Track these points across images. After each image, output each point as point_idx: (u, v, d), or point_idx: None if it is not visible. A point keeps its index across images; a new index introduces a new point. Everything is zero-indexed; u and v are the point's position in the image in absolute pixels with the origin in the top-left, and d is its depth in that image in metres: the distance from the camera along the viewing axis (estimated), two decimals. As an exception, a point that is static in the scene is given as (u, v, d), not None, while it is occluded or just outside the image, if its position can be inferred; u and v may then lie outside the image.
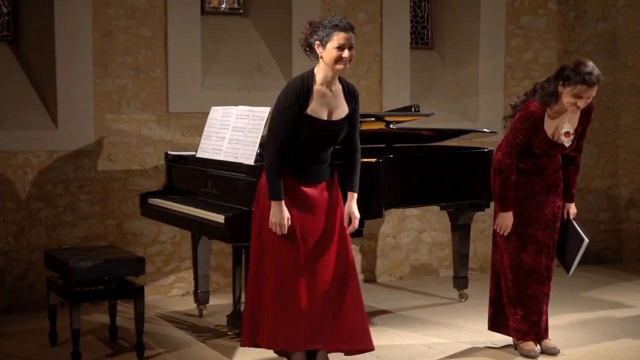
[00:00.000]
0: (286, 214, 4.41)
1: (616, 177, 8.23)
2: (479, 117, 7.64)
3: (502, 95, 7.69)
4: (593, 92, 4.81)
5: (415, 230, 7.50)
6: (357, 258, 7.30)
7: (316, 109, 4.41)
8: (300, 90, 4.38)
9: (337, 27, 4.36)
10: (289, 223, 4.42)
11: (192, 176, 5.74)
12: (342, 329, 4.57)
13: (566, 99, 4.82)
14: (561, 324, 5.81)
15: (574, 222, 5.16)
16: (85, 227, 6.42)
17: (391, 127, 6.06)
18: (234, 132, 5.39)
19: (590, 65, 4.80)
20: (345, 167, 4.62)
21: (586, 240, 5.08)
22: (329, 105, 4.44)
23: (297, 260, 4.46)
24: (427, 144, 6.58)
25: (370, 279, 7.34)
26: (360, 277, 7.32)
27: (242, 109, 5.46)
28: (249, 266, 4.66)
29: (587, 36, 8.00)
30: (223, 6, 7.17)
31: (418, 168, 5.85)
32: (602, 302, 6.50)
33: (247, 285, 4.65)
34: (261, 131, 5.15)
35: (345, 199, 4.62)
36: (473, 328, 5.75)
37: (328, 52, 4.36)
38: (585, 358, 5.13)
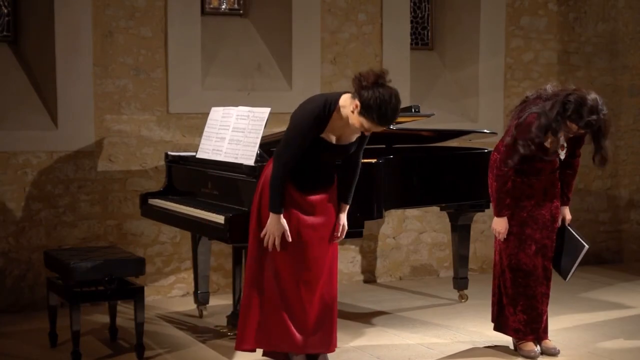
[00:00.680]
0: (283, 227, 4.43)
1: (616, 177, 8.23)
2: (479, 117, 7.64)
3: (502, 96, 7.69)
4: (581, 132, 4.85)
5: (415, 231, 7.50)
6: (357, 259, 7.30)
7: (329, 132, 4.41)
8: (322, 115, 4.33)
9: (380, 124, 4.25)
10: (288, 236, 4.45)
11: (192, 177, 5.74)
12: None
13: (568, 127, 4.80)
14: (561, 324, 5.81)
15: (570, 228, 5.16)
16: (86, 228, 6.42)
17: (391, 127, 6.05)
18: (234, 133, 5.39)
19: (598, 110, 4.71)
20: (343, 179, 4.65)
21: (587, 246, 5.08)
22: (341, 131, 4.43)
23: (296, 263, 4.49)
24: (427, 145, 6.58)
25: (370, 279, 7.34)
26: (361, 277, 7.32)
27: (242, 109, 5.46)
28: (247, 263, 4.67)
29: (587, 37, 8.00)
30: (223, 7, 7.17)
31: (418, 169, 5.85)
32: (602, 303, 6.50)
33: (245, 284, 4.66)
34: (261, 132, 5.14)
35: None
36: (473, 329, 5.75)
37: (359, 119, 4.26)
38: (585, 358, 5.13)
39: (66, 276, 4.97)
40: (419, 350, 5.29)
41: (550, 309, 5.22)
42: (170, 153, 6.02)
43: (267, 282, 4.55)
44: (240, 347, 4.63)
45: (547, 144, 4.85)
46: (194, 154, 5.80)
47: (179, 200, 5.69)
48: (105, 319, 5.59)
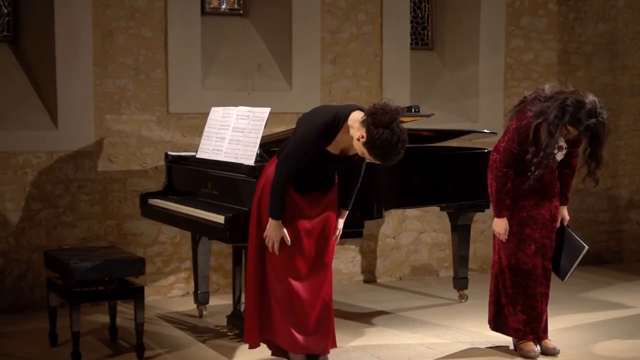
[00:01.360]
0: (282, 232, 4.45)
1: (616, 177, 8.23)
2: (479, 117, 7.64)
3: (502, 96, 7.69)
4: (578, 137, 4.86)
5: (415, 231, 7.50)
6: (357, 259, 7.30)
7: (333, 145, 4.42)
8: (330, 131, 4.34)
9: (380, 161, 4.27)
10: (288, 241, 4.46)
11: (192, 177, 5.74)
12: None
13: (567, 131, 4.80)
14: (561, 324, 5.80)
15: (569, 229, 5.16)
16: (85, 228, 6.42)
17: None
18: (234, 133, 5.39)
19: (597, 113, 4.71)
20: (344, 185, 4.66)
21: (586, 247, 5.07)
22: (346, 144, 4.43)
23: (296, 263, 4.51)
24: (427, 145, 6.57)
25: (370, 279, 7.34)
26: (361, 277, 7.32)
27: (243, 109, 5.46)
28: (247, 263, 4.68)
29: (587, 37, 8.00)
30: (223, 7, 7.17)
31: (418, 169, 5.85)
32: (602, 303, 6.50)
33: (247, 280, 4.66)
34: (261, 132, 5.14)
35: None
36: (473, 329, 5.75)
37: (362, 149, 4.27)
38: (584, 358, 5.13)
39: (66, 276, 4.97)
40: (419, 350, 5.29)
41: (550, 309, 5.22)
42: (170, 153, 6.02)
43: (268, 282, 4.57)
44: (250, 346, 4.69)
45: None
46: (194, 154, 5.80)
47: (179, 200, 5.69)
48: (105, 319, 5.59)
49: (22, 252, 6.27)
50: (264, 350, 4.77)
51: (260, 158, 5.08)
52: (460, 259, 6.47)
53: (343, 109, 4.41)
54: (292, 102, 6.92)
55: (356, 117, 4.31)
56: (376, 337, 5.56)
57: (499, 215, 5.01)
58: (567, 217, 5.19)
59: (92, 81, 6.40)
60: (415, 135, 6.41)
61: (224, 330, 5.51)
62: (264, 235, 4.51)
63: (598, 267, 7.79)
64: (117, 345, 5.36)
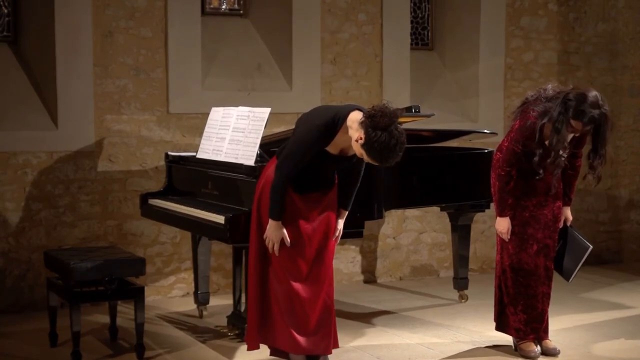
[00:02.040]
0: (282, 233, 4.45)
1: (616, 177, 8.23)
2: (479, 117, 7.64)
3: (502, 96, 7.69)
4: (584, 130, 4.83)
5: (416, 231, 7.50)
6: (357, 259, 7.30)
7: (332, 145, 4.42)
8: (329, 132, 4.34)
9: (378, 163, 4.28)
10: (288, 241, 4.46)
11: (192, 177, 5.74)
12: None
13: (573, 127, 4.80)
14: (561, 324, 5.80)
15: (572, 229, 5.16)
16: (86, 228, 6.42)
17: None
18: (235, 133, 5.39)
19: (599, 105, 4.72)
20: (344, 186, 4.66)
21: (590, 247, 5.08)
22: (345, 144, 4.43)
23: (296, 264, 4.51)
24: (428, 145, 6.57)
25: (371, 279, 7.34)
26: (361, 277, 7.32)
27: (243, 109, 5.46)
28: (248, 262, 4.68)
29: (587, 37, 8.00)
30: (223, 7, 7.17)
31: (418, 169, 5.84)
32: (602, 303, 6.50)
33: (248, 281, 4.66)
34: (261, 132, 5.14)
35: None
36: (473, 329, 5.75)
37: (360, 150, 4.27)
38: (584, 359, 5.13)
39: (66, 276, 4.97)
40: (419, 351, 5.29)
41: (550, 309, 5.21)
42: (170, 153, 6.02)
43: (268, 283, 4.56)
44: (248, 347, 4.68)
45: (547, 143, 4.85)
46: (194, 154, 5.80)
47: (179, 200, 5.69)
48: (105, 319, 5.59)
49: (22, 252, 6.26)
50: (263, 351, 4.77)
51: (260, 158, 5.08)
52: (461, 259, 6.47)
53: (342, 109, 4.41)
54: (292, 102, 6.92)
55: (355, 117, 4.31)
56: (376, 337, 5.56)
57: (501, 214, 5.01)
58: (570, 218, 5.19)
59: (92, 81, 6.40)
60: (415, 136, 6.41)
61: (224, 331, 5.51)
62: (264, 236, 4.51)
63: (598, 267, 7.78)
64: (117, 345, 5.36)
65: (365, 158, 4.30)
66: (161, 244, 6.65)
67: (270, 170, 4.54)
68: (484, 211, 6.38)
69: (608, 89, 8.04)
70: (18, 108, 6.36)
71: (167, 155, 6.02)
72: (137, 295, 5.01)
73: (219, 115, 5.65)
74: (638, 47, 8.19)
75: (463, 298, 6.54)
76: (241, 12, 7.19)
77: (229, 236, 4.89)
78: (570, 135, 4.87)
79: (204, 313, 6.07)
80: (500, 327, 5.24)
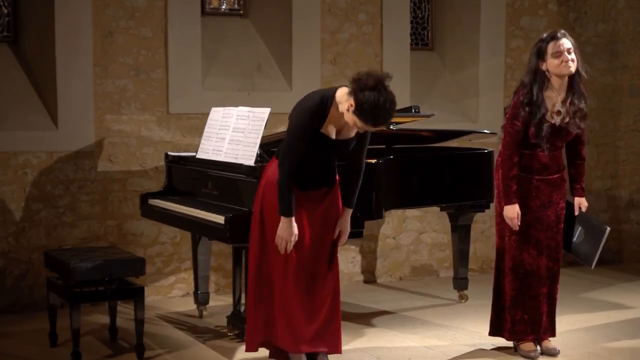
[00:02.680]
0: (295, 230, 4.43)
1: (616, 178, 8.23)
2: (479, 117, 7.64)
3: (502, 96, 7.69)
4: (566, 43, 4.87)
5: (416, 231, 7.50)
6: (357, 259, 7.30)
7: (328, 127, 4.42)
8: (318, 111, 4.36)
9: (371, 124, 4.27)
10: (296, 239, 4.45)
11: (192, 177, 5.74)
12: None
13: (552, 66, 4.87)
14: (561, 324, 5.78)
15: (588, 215, 5.15)
16: (86, 228, 6.42)
17: (391, 128, 6.06)
18: (234, 133, 5.39)
19: (556, 34, 4.91)
20: (346, 183, 4.64)
21: (608, 228, 5.06)
22: (339, 126, 4.44)
23: (301, 262, 4.49)
24: (427, 145, 6.58)
25: (370, 279, 7.34)
26: (361, 277, 7.32)
27: (243, 109, 5.46)
28: (249, 263, 4.67)
29: (587, 37, 8.00)
30: (223, 7, 7.17)
31: (418, 169, 5.85)
32: (602, 303, 6.50)
33: (249, 282, 4.65)
34: (261, 132, 5.15)
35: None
36: (473, 329, 5.75)
37: (352, 118, 4.28)
38: (585, 359, 5.13)
39: (66, 276, 4.97)
40: (419, 351, 5.29)
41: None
42: (170, 153, 6.02)
43: (270, 283, 4.55)
44: (247, 348, 4.67)
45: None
46: (194, 154, 5.80)
47: (179, 200, 5.69)
48: (105, 319, 5.59)
49: (22, 252, 6.26)
50: (264, 351, 4.77)
51: (260, 158, 5.08)
52: (461, 259, 6.47)
53: (329, 90, 4.46)
54: (292, 102, 6.77)
55: (343, 92, 4.35)
56: (376, 338, 5.56)
57: (508, 202, 4.96)
58: (586, 204, 5.17)
59: (92, 81, 6.40)
60: (416, 136, 6.42)
61: (224, 331, 5.51)
62: (276, 236, 4.47)
63: (598, 267, 7.67)
64: (117, 345, 5.36)
65: (359, 125, 4.28)
66: (161, 244, 6.65)
67: (271, 170, 4.54)
68: (483, 211, 6.38)
69: (608, 89, 8.04)
70: (18, 108, 6.36)
71: (167, 156, 6.02)
72: (137, 295, 5.01)
73: (218, 116, 5.66)
74: (638, 47, 8.19)
75: (463, 298, 6.54)
76: (241, 12, 7.19)
77: (229, 236, 4.89)
78: (551, 98, 4.91)
79: (204, 313, 6.07)
80: (495, 332, 5.20)
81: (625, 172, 8.26)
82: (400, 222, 7.44)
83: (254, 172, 5.00)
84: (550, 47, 4.86)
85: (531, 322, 5.07)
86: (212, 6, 7.10)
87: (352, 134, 4.48)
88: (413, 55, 7.54)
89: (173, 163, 5.96)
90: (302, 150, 4.39)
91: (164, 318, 6.06)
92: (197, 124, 6.59)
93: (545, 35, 4.94)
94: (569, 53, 4.87)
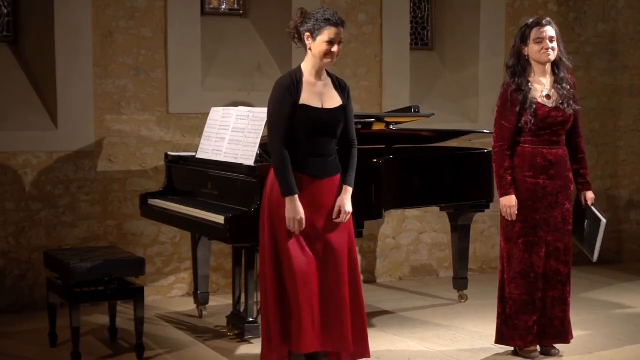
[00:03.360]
0: (300, 208, 4.36)
1: (616, 178, 8.23)
2: (479, 117, 7.64)
3: (502, 96, 7.68)
4: (549, 31, 4.90)
5: (415, 231, 7.50)
6: (357, 259, 7.29)
7: (309, 98, 4.42)
8: (290, 83, 4.42)
9: (329, 22, 4.40)
10: (304, 217, 4.37)
11: (192, 177, 5.74)
12: (346, 332, 4.54)
13: (532, 52, 4.92)
14: (561, 325, 5.80)
15: (592, 207, 5.15)
16: (85, 228, 6.42)
17: (391, 128, 6.06)
18: (234, 133, 5.39)
19: (541, 22, 4.96)
20: (342, 160, 4.57)
21: (603, 220, 5.06)
22: (320, 95, 4.46)
23: (310, 261, 4.42)
24: (427, 145, 6.58)
25: (370, 279, 7.34)
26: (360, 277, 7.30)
27: (242, 109, 5.46)
28: (260, 267, 4.58)
29: (587, 37, 8.00)
30: (223, 7, 7.17)
31: (418, 169, 5.85)
32: (602, 303, 6.51)
33: (268, 290, 4.49)
34: (261, 132, 5.15)
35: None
36: (473, 329, 5.75)
37: (318, 45, 4.41)
38: (585, 359, 5.13)
39: (66, 276, 4.98)
40: (419, 351, 5.29)
41: (550, 309, 5.21)
42: (170, 153, 6.03)
43: (286, 284, 4.44)
44: (267, 357, 4.51)
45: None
46: (194, 154, 5.80)
47: (179, 200, 5.69)
48: (105, 319, 5.59)
49: (22, 252, 6.27)
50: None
51: (260, 158, 5.09)
52: (460, 259, 6.47)
53: (295, 68, 4.58)
54: (292, 102, 6.90)
55: (305, 61, 4.48)
56: (376, 338, 5.56)
57: (505, 193, 4.92)
58: (592, 196, 5.17)
59: (92, 81, 6.40)
60: (415, 136, 6.43)
61: (224, 331, 5.51)
62: (286, 220, 4.37)
63: (598, 267, 7.77)
64: (117, 345, 5.36)
65: (325, 39, 4.38)
66: (161, 244, 6.65)
67: (272, 178, 4.49)
68: (483, 211, 6.38)
69: (608, 89, 8.04)
70: (18, 108, 6.36)
71: (167, 156, 6.03)
72: (137, 295, 5.01)
73: (218, 116, 5.66)
74: (638, 47, 8.19)
75: (463, 298, 6.54)
76: (241, 12, 7.19)
77: (229, 236, 4.89)
78: (538, 84, 4.94)
79: (204, 313, 6.07)
80: (502, 340, 5.11)
81: (625, 172, 8.26)
82: (400, 222, 7.44)
83: (253, 172, 5.00)
84: (534, 33, 4.92)
85: (543, 326, 5.02)
86: (212, 6, 7.11)
87: (337, 101, 4.47)
88: (413, 55, 7.54)
89: (173, 163, 5.96)
90: (285, 126, 4.36)
91: (164, 318, 6.07)
92: (197, 124, 6.59)
93: (531, 20, 5.01)
94: (551, 41, 4.91)
